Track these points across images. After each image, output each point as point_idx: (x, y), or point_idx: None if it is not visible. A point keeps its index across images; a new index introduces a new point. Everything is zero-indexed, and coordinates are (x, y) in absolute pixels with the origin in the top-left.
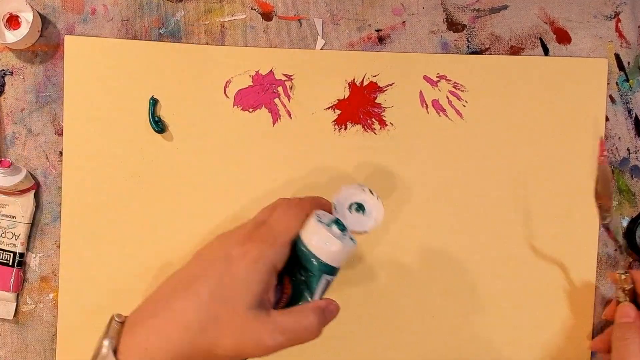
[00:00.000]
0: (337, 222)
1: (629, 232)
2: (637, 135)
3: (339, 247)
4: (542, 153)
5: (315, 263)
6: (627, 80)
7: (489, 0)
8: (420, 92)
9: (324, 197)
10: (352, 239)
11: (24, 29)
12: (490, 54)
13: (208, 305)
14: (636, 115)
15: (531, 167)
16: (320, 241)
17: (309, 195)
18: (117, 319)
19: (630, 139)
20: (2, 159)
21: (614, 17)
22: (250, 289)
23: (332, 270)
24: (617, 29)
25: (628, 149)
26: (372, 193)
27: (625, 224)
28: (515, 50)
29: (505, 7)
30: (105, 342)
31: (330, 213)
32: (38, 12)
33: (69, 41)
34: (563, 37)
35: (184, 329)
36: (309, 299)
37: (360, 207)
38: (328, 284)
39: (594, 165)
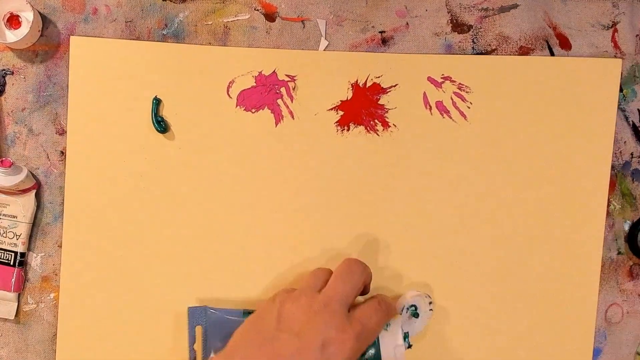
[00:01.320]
0: (408, 338)
1: (631, 236)
2: (637, 141)
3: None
4: (548, 156)
5: None
6: (621, 90)
7: None
8: (424, 93)
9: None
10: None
11: (24, 29)
12: (497, 54)
13: None
14: (634, 123)
15: (537, 170)
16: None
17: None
18: None
19: (633, 144)
20: (3, 159)
21: (612, 27)
22: None
23: None
24: (613, 39)
25: (632, 154)
26: (429, 304)
27: (627, 227)
28: (524, 51)
29: (515, 6)
30: None
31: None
32: (38, 11)
33: (74, 42)
34: (565, 43)
35: None
36: None
37: (415, 313)
38: None
39: (602, 168)
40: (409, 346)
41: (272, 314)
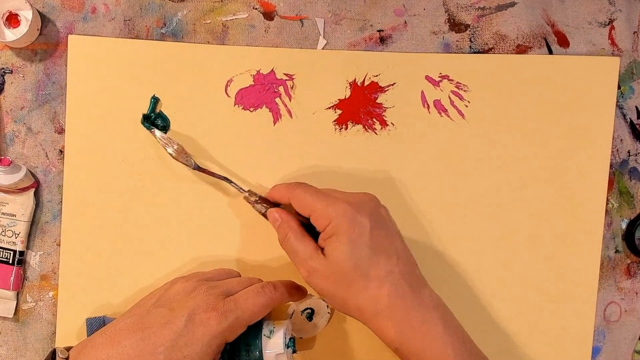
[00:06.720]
0: (294, 343)
1: (628, 234)
2: (634, 138)
3: None
4: (547, 155)
5: None
6: (619, 87)
7: None
8: (422, 92)
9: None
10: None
11: (23, 27)
12: (494, 53)
13: None
14: (631, 120)
15: (535, 168)
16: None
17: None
18: (61, 355)
19: (630, 142)
20: (2, 157)
21: (609, 24)
22: None
23: None
24: (610, 36)
25: (628, 152)
26: (327, 307)
27: (624, 225)
28: (522, 49)
29: (512, 4)
30: None
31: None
32: (37, 10)
33: (72, 40)
34: (563, 40)
35: None
36: None
37: (310, 315)
38: None
39: (601, 166)
40: (294, 351)
41: (158, 293)
